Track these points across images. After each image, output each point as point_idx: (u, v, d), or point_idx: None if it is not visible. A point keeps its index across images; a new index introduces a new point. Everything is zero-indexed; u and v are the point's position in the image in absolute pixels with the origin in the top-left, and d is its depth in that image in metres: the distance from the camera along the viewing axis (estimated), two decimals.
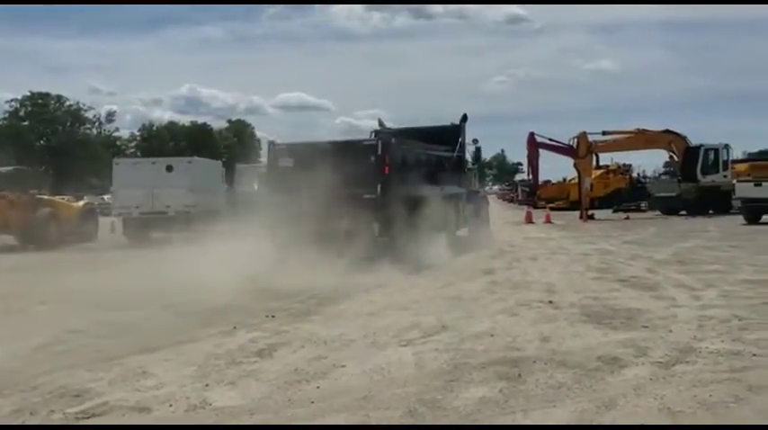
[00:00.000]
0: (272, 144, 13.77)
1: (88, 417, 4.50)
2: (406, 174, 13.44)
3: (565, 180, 42.44)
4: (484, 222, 19.17)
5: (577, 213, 28.66)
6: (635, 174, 42.49)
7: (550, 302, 8.21)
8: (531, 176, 31.88)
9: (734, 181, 25.84)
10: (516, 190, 53.47)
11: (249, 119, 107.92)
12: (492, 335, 6.49)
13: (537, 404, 4.50)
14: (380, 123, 18.91)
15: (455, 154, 16.94)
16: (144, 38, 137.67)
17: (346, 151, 13.12)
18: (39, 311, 8.94)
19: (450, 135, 17.11)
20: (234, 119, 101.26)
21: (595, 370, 5.25)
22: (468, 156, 18.57)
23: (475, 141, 18.70)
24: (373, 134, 17.27)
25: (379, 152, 12.77)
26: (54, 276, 13.23)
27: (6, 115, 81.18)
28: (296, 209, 12.65)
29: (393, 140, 13.31)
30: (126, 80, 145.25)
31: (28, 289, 11.21)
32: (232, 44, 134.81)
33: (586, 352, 5.80)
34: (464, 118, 17.74)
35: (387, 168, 12.72)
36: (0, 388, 5.21)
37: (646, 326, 6.76)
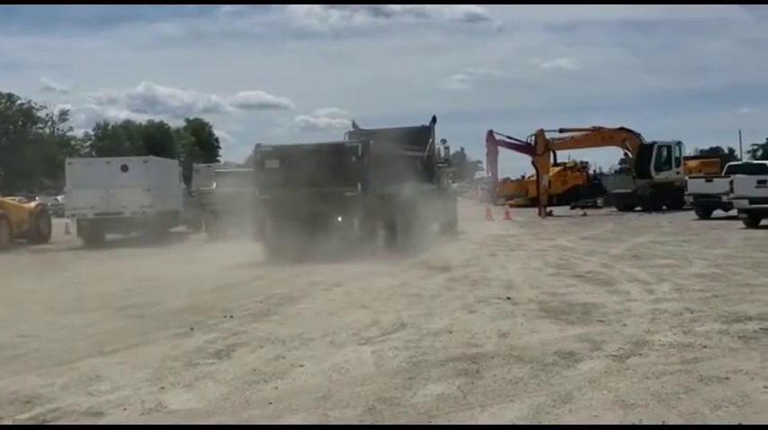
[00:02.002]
0: (258, 146, 14.49)
1: (39, 424, 4.38)
2: (383, 173, 14.13)
3: (523, 177, 42.89)
4: (452, 218, 19.97)
5: (536, 210, 29.03)
6: (591, 172, 43.26)
7: (509, 298, 8.30)
8: (490, 174, 32.23)
9: (686, 177, 26.50)
10: (476, 187, 53.94)
11: (208, 117, 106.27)
12: (451, 332, 6.53)
13: (494, 399, 4.53)
14: (354, 125, 19.52)
15: (426, 153, 17.84)
16: (98, 35, 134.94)
17: (329, 152, 14.18)
18: None
19: (420, 136, 18.10)
20: (192, 117, 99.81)
21: (552, 364, 5.32)
22: (438, 155, 19.16)
23: (443, 141, 19.87)
24: (347, 135, 18.07)
25: (360, 153, 13.67)
26: (4, 279, 12.86)
27: None
28: (280, 207, 13.55)
29: (372, 142, 14.12)
30: (80, 78, 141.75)
31: None
32: (189, 42, 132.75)
33: (543, 347, 5.87)
34: (434, 120, 18.74)
35: (366, 168, 13.57)
36: None
37: (601, 321, 6.88)
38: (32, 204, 24.04)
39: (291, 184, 13.45)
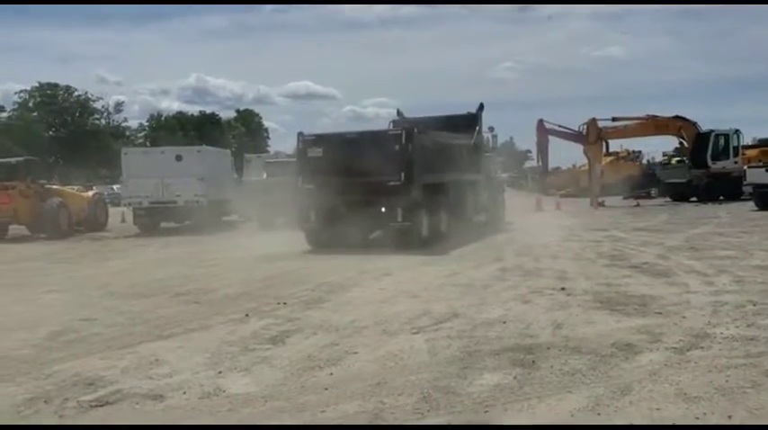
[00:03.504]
0: (300, 135, 14.31)
1: (102, 405, 4.50)
2: (428, 162, 13.84)
3: (575, 167, 42.23)
4: (500, 208, 19.54)
5: (587, 200, 28.52)
6: (645, 161, 42.26)
7: (563, 289, 8.17)
8: (540, 163, 31.74)
9: (744, 167, 25.63)
10: (526, 177, 53.28)
11: (257, 108, 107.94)
12: (504, 322, 6.46)
13: (552, 390, 4.47)
14: (399, 113, 19.14)
15: (472, 142, 17.21)
16: (149, 28, 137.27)
17: (372, 141, 13.84)
18: (50, 300, 8.97)
19: (467, 123, 17.47)
20: (242, 108, 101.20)
21: (610, 356, 5.21)
22: (485, 144, 18.72)
23: (491, 129, 19.18)
24: (392, 123, 17.65)
25: (403, 141, 13.24)
26: (65, 265, 13.30)
27: (16, 106, 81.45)
28: (324, 196, 13.37)
29: (415, 130, 13.69)
30: (133, 70, 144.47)
31: (38, 278, 11.29)
32: (238, 34, 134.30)
33: (600, 338, 5.76)
34: (480, 107, 18.09)
35: (410, 156, 13.19)
36: (13, 375, 5.24)
37: (659, 313, 6.71)
38: (90, 193, 24.77)
39: (334, 173, 13.33)
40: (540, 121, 28.80)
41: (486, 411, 4.13)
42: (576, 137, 29.23)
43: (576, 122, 29.38)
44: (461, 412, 4.13)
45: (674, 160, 32.88)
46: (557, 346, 5.53)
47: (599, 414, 4.07)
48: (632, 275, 9.25)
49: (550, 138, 29.12)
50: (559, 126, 29.25)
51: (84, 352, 5.96)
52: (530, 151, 72.11)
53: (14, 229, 20.55)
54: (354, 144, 13.64)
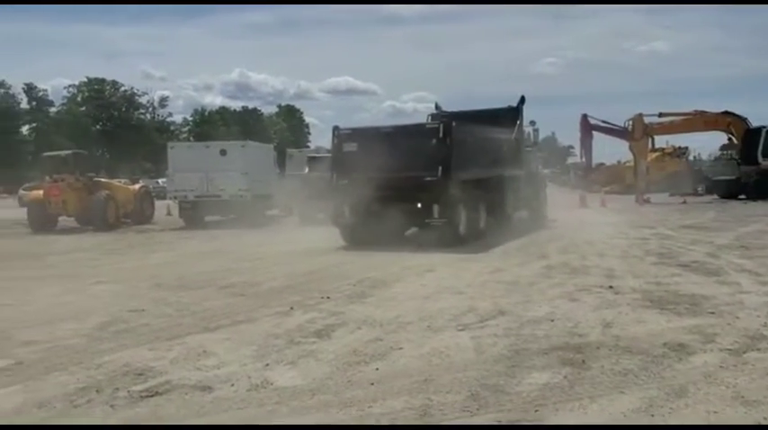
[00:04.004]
0: (336, 129, 14.07)
1: (152, 395, 4.56)
2: (467, 157, 13.50)
3: (619, 163, 41.49)
4: (542, 205, 19.02)
5: (632, 197, 28.00)
6: (691, 157, 41.30)
7: (611, 287, 8.01)
8: (584, 159, 31.27)
9: None
10: (569, 173, 52.59)
11: (298, 103, 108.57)
12: (552, 321, 6.36)
13: (604, 390, 4.38)
14: (437, 107, 18.90)
15: (513, 136, 16.76)
16: (193, 23, 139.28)
17: (408, 135, 13.50)
18: (99, 291, 9.16)
19: (508, 117, 16.97)
20: (283, 104, 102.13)
21: (662, 356, 5.09)
22: (527, 139, 18.30)
23: (532, 123, 18.67)
24: (430, 117, 17.39)
25: (441, 135, 12.86)
26: (113, 256, 13.58)
27: (65, 101, 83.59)
28: (358, 192, 13.06)
29: (454, 123, 13.30)
30: (177, 66, 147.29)
31: (88, 269, 11.54)
32: (279, 29, 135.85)
33: (651, 338, 5.62)
34: (522, 100, 17.56)
35: (448, 151, 12.80)
36: (66, 364, 5.35)
37: (712, 313, 6.53)
38: (137, 186, 25.27)
39: (369, 168, 12.79)
40: (584, 117, 28.36)
41: (537, 410, 4.06)
42: (620, 133, 28.71)
43: (620, 118, 28.96)
44: (511, 411, 4.07)
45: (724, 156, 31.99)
46: (607, 346, 5.42)
47: (653, 415, 3.97)
48: (682, 274, 9.03)
49: (594, 133, 28.68)
50: (603, 121, 28.78)
51: (133, 342, 6.05)
52: (572, 147, 71.24)
53: (63, 221, 21.06)
54: (390, 138, 13.30)
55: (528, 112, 17.72)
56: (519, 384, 4.54)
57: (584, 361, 5.01)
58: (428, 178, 12.70)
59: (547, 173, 31.35)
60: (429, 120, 16.42)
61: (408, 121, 16.48)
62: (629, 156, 30.90)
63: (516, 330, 6.04)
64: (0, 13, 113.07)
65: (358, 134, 13.90)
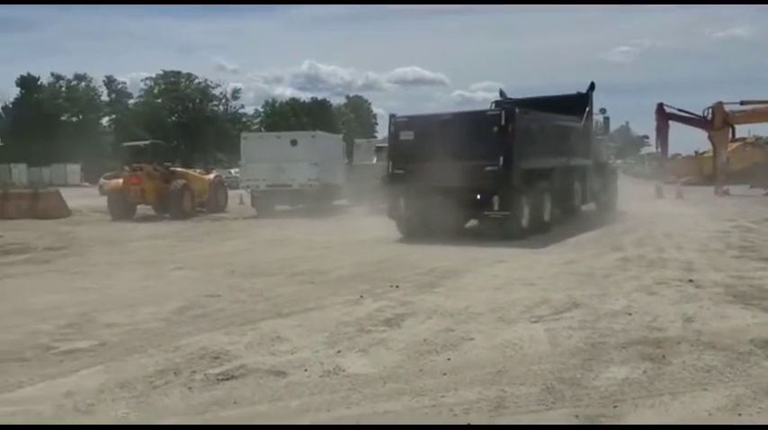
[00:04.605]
0: (392, 117, 13.76)
1: (228, 379, 4.65)
2: (530, 146, 12.93)
3: (697, 153, 39.94)
4: (612, 196, 18.30)
5: (710, 189, 26.93)
6: None
7: (691, 281, 7.71)
8: (659, 149, 30.24)
9: None
10: (643, 164, 51.03)
11: (366, 94, 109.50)
12: (629, 314, 6.16)
13: (686, 387, 4.21)
14: (501, 93, 18.43)
15: (582, 124, 16.03)
16: (263, 16, 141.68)
17: (468, 122, 12.93)
18: (176, 277, 9.43)
19: (576, 104, 16.18)
20: (351, 95, 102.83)
21: (748, 353, 4.86)
22: (596, 127, 17.65)
23: (603, 111, 17.87)
24: (494, 105, 16.87)
25: (503, 122, 12.28)
26: (190, 243, 13.97)
27: (142, 93, 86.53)
28: (414, 182, 12.70)
29: (517, 110, 12.75)
30: (249, 58, 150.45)
31: (166, 255, 11.91)
32: (347, 20, 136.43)
33: (736, 334, 5.38)
34: (591, 86, 16.85)
35: (510, 139, 12.26)
36: (146, 347, 5.52)
37: None
38: (211, 176, 25.91)
39: (426, 158, 12.39)
40: (660, 106, 27.40)
41: (616, 406, 3.93)
42: (699, 122, 27.62)
43: (698, 107, 27.85)
44: (588, 405, 3.96)
45: None
46: (688, 341, 5.22)
47: (740, 414, 3.79)
48: (766, 268, 8.61)
49: (671, 123, 27.67)
50: (680, 110, 27.73)
51: (209, 326, 6.20)
52: (647, 137, 69.18)
53: (141, 209, 21.80)
54: (449, 126, 12.69)
55: (600, 101, 17.09)
56: (596, 378, 4.41)
57: (664, 356, 4.83)
58: (488, 168, 12.18)
59: (620, 163, 30.49)
60: (493, 107, 15.87)
61: (470, 108, 15.85)
62: (707, 147, 29.73)
63: (592, 323, 5.88)
64: (83, 11, 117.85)
65: (415, 122, 13.47)
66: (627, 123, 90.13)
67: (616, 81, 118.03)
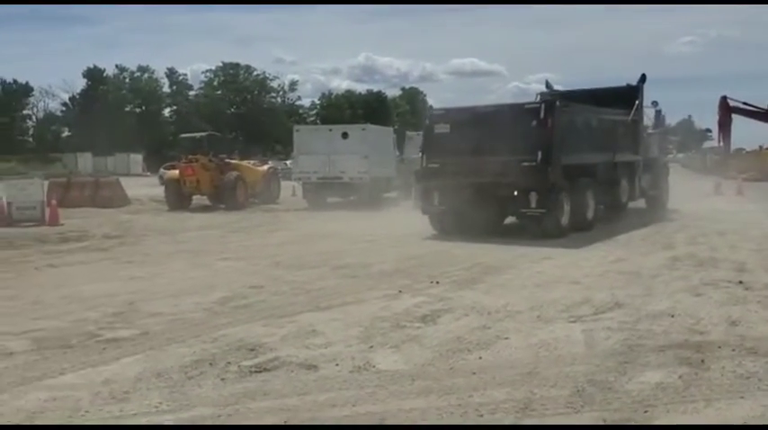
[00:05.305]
0: (429, 109, 13.64)
1: (260, 371, 4.74)
2: (571, 141, 12.42)
3: (761, 148, 38.50)
4: (661, 194, 17.64)
5: None
6: None
7: (741, 283, 7.47)
8: (721, 144, 29.32)
9: None
10: (705, 158, 49.46)
11: (422, 86, 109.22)
12: (672, 316, 6.01)
13: (721, 394, 4.09)
14: (548, 85, 18.08)
15: (630, 118, 15.36)
16: (320, 8, 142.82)
17: (506, 115, 12.42)
18: (223, 267, 9.65)
19: (625, 97, 15.59)
20: (407, 86, 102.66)
21: None
22: (647, 121, 17.02)
23: (654, 104, 17.26)
24: (538, 96, 16.48)
25: (542, 116, 11.79)
26: (240, 234, 14.25)
27: (202, 85, 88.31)
28: (449, 177, 12.42)
29: (558, 103, 12.33)
30: (307, 50, 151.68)
31: (215, 246, 12.19)
32: (404, 12, 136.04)
33: None
34: (642, 78, 16.23)
35: (550, 133, 11.77)
36: (186, 337, 5.67)
37: None
38: (265, 167, 26.27)
39: (462, 151, 11.98)
40: (724, 98, 26.59)
41: (647, 411, 3.85)
42: (765, 116, 26.64)
43: (764, 100, 26.75)
44: (618, 410, 3.88)
45: None
46: (730, 346, 5.06)
47: None
48: None
49: (734, 116, 26.77)
50: (745, 104, 26.78)
51: (249, 318, 6.33)
52: (709, 130, 66.92)
53: (197, 200, 22.31)
54: (486, 119, 12.25)
55: (660, 95, 16.69)
56: (629, 382, 4.33)
57: (703, 360, 4.70)
58: (525, 163, 11.69)
59: (681, 157, 29.61)
60: (538, 99, 15.37)
61: (509, 100, 15.41)
62: None
63: (632, 324, 5.76)
64: (143, 8, 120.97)
65: (451, 114, 13.08)
66: (690, 117, 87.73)
67: (679, 73, 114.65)
